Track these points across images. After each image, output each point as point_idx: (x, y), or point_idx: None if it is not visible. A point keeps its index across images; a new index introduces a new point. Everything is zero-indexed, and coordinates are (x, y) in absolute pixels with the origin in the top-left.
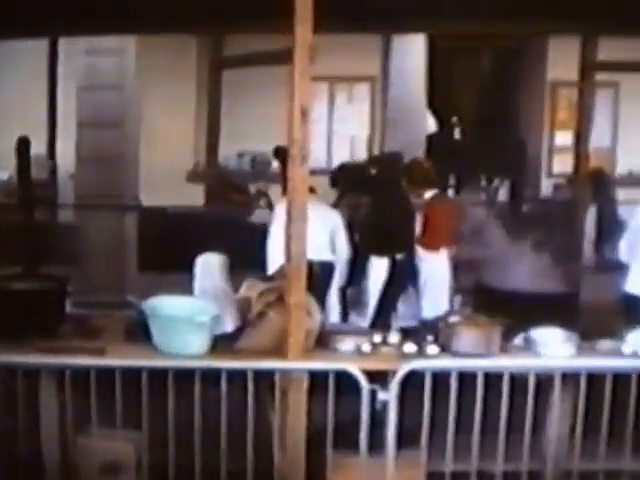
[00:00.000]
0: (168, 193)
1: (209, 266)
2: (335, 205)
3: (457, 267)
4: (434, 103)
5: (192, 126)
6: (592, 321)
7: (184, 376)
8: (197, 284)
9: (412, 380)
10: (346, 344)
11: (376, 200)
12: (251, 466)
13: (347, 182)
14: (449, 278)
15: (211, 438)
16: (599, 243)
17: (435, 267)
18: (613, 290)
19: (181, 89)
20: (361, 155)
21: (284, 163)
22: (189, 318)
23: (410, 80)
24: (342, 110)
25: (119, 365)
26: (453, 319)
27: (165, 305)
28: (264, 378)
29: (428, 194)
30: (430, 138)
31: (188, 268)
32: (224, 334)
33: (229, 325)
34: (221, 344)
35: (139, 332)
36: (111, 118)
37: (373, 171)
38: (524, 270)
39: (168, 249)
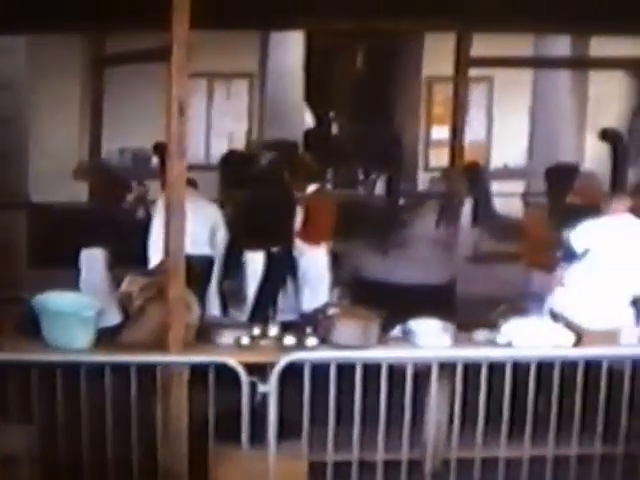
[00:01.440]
0: (57, 190)
1: (93, 261)
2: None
3: (335, 260)
4: (311, 99)
5: (77, 123)
6: (469, 312)
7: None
8: (82, 279)
9: (294, 372)
10: (226, 337)
11: (253, 194)
12: (136, 459)
13: (230, 174)
14: (328, 271)
15: (100, 431)
16: (475, 235)
17: (314, 260)
18: (489, 281)
19: (67, 87)
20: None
21: (163, 159)
22: (75, 313)
23: (287, 76)
24: (220, 106)
25: (6, 359)
26: (331, 311)
27: (53, 300)
28: (146, 372)
29: (310, 188)
30: (307, 133)
31: (76, 263)
32: (108, 328)
33: (115, 318)
34: (105, 338)
35: (30, 327)
36: (1, 116)
37: (264, 159)
38: (402, 262)
39: (56, 245)
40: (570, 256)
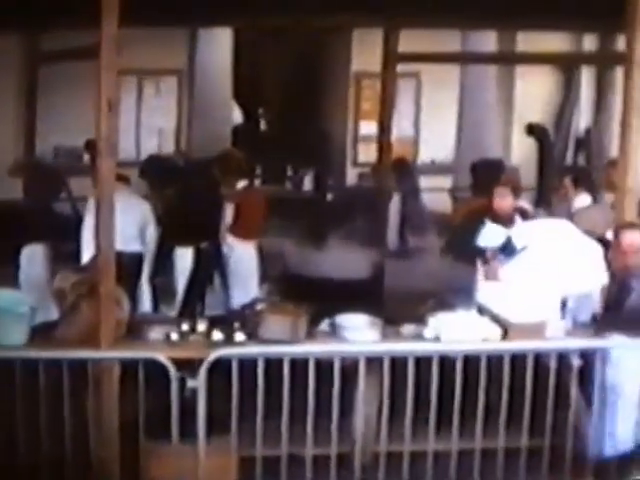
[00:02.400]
0: None
1: (33, 257)
2: (148, 196)
3: (264, 255)
4: (240, 95)
5: (13, 121)
6: (397, 306)
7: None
8: (22, 275)
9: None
10: (155, 333)
11: (181, 191)
12: (69, 455)
13: (156, 173)
14: (256, 266)
15: (35, 427)
16: (403, 230)
17: (243, 256)
18: (417, 275)
19: (2, 85)
20: (169, 147)
21: (94, 156)
22: (9, 309)
23: (216, 73)
24: (150, 103)
25: None
26: (259, 307)
27: None
28: (79, 368)
29: (240, 184)
30: (235, 130)
31: (12, 260)
32: (48, 323)
33: (54, 313)
34: (41, 334)
35: None
36: None
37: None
38: (330, 257)
39: None
40: (509, 251)
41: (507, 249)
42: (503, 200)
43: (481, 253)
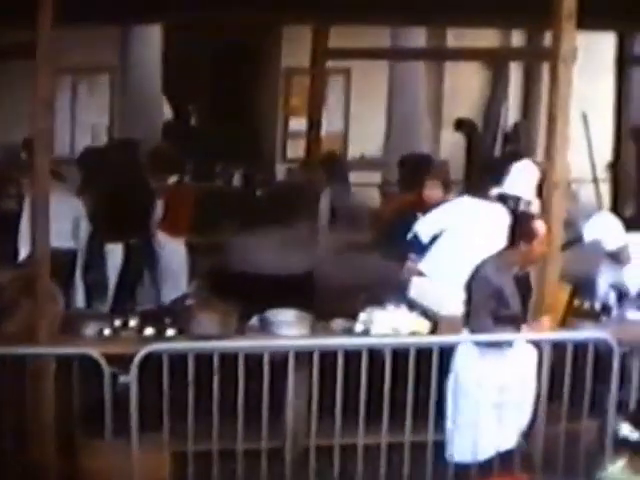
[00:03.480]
0: None
1: None
2: (80, 191)
3: (194, 251)
4: (170, 92)
5: None
6: (328, 301)
7: None
8: None
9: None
10: (89, 329)
11: (112, 187)
12: (9, 450)
13: (89, 167)
14: (186, 262)
15: None
16: (333, 225)
17: (174, 251)
18: (348, 270)
19: None
20: (102, 143)
21: (30, 154)
22: None
23: (148, 70)
24: (84, 100)
25: None
26: (189, 302)
27: None
28: (19, 363)
29: (171, 180)
30: (166, 126)
31: None
32: None
33: None
34: None
35: None
36: None
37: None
38: (260, 253)
39: None
40: (418, 246)
41: (415, 245)
42: (433, 192)
43: (411, 248)
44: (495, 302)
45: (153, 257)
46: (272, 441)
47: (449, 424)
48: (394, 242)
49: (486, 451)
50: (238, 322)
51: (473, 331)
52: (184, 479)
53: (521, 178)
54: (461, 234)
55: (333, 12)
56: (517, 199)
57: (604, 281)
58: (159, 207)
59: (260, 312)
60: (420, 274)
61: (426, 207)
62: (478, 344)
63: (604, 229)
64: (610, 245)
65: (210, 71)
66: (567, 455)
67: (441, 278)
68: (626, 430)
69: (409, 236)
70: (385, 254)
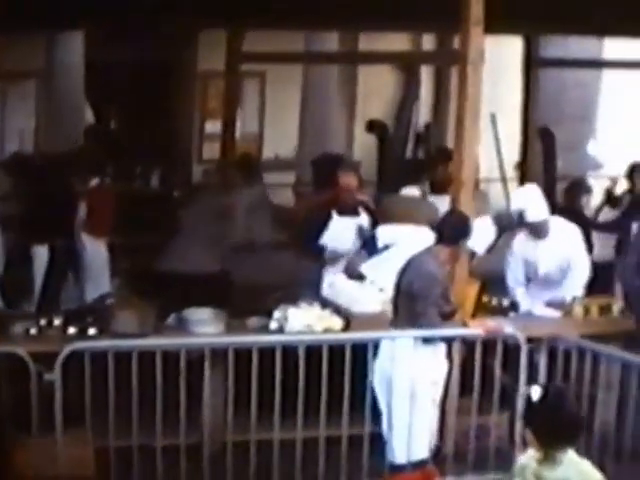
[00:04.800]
0: None
1: None
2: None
3: (115, 251)
4: (91, 96)
5: None
6: (244, 299)
7: None
8: None
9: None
10: (16, 328)
11: (35, 189)
12: None
13: (15, 172)
14: (107, 262)
15: None
16: (248, 224)
17: (96, 252)
18: (264, 269)
19: None
20: (29, 148)
21: None
22: None
23: (72, 74)
24: (13, 105)
25: None
26: (111, 301)
27: None
28: None
29: (93, 182)
30: (87, 129)
31: None
32: None
33: None
34: None
35: None
36: None
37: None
38: (178, 252)
39: None
40: (371, 248)
41: (369, 246)
42: (347, 180)
43: (365, 248)
44: (441, 297)
45: (77, 258)
46: (190, 437)
47: (384, 425)
48: (311, 241)
49: (421, 451)
50: (156, 320)
51: (422, 327)
52: (108, 474)
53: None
54: (409, 251)
55: (247, 17)
56: None
57: (516, 260)
58: (82, 209)
59: (178, 310)
60: (360, 274)
61: (341, 204)
62: (415, 340)
63: (528, 200)
64: (531, 217)
65: (129, 76)
66: (478, 449)
67: (378, 284)
68: (534, 393)
69: (365, 236)
70: (302, 252)
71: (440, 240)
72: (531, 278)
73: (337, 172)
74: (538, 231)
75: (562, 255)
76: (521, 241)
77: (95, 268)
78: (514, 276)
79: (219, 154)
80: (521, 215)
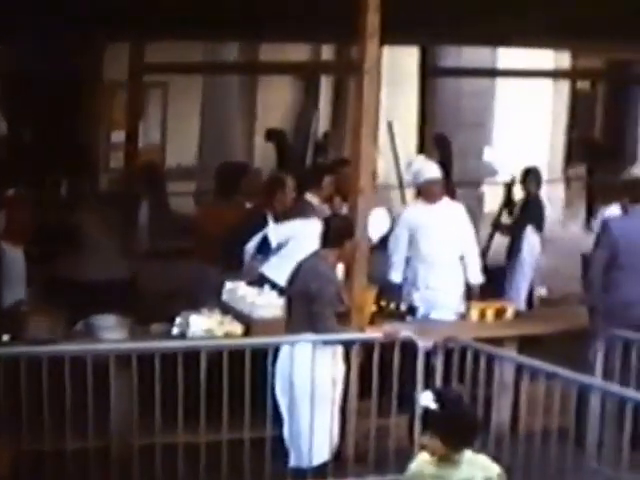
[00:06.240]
0: None
1: None
2: None
3: (30, 259)
4: (4, 108)
5: None
6: (148, 306)
7: None
8: None
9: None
10: None
11: None
12: None
13: None
14: (24, 270)
15: None
16: (152, 232)
17: (14, 259)
18: (168, 276)
19: None
20: None
21: None
22: None
23: None
24: None
25: None
26: (24, 308)
27: None
28: None
29: (9, 192)
30: (1, 141)
31: None
32: None
33: None
34: None
35: None
36: None
37: None
38: (87, 260)
39: None
40: (265, 249)
41: (263, 248)
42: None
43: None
44: (337, 299)
45: None
46: (99, 440)
47: (286, 429)
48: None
49: (323, 453)
50: (66, 327)
51: (319, 331)
52: (21, 478)
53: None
54: (304, 246)
55: (150, 28)
56: None
57: (402, 226)
58: (1, 217)
59: (86, 317)
60: (261, 276)
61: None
62: (314, 343)
63: (423, 162)
64: (428, 173)
65: (39, 87)
66: (378, 450)
67: (281, 282)
68: (426, 400)
69: (257, 239)
70: (203, 259)
71: (325, 244)
72: (421, 252)
73: (239, 182)
74: (432, 193)
75: (454, 225)
76: (412, 208)
77: (13, 275)
78: (396, 244)
79: (124, 163)
80: (417, 176)
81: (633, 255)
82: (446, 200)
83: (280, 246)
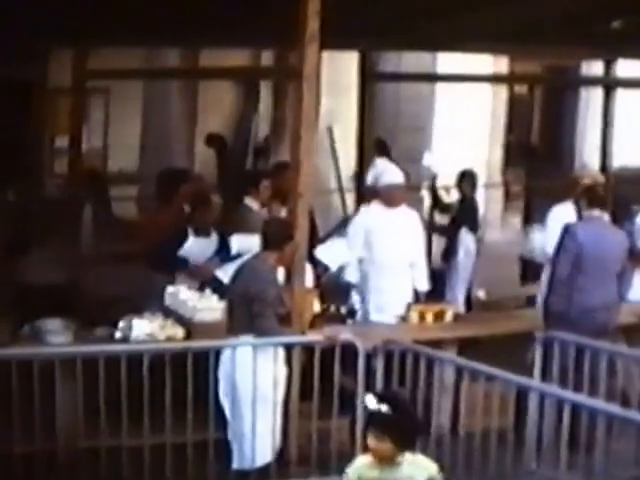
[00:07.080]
0: None
1: None
2: None
3: None
4: None
5: None
6: (92, 310)
7: None
8: None
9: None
10: None
11: None
12: None
13: None
14: None
15: None
16: (95, 237)
17: None
18: (111, 280)
19: None
20: None
21: None
22: None
23: None
24: None
25: None
26: None
27: None
28: None
29: None
30: None
31: None
32: None
33: None
34: None
35: None
36: None
37: None
38: (33, 263)
39: None
40: (224, 256)
41: (222, 254)
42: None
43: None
44: (278, 301)
45: None
46: (46, 443)
47: (229, 431)
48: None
49: (266, 455)
50: (13, 331)
51: (260, 331)
52: None
53: None
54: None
55: (92, 35)
56: None
57: (356, 228)
58: None
59: (32, 321)
60: (214, 277)
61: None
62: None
63: (384, 167)
64: (388, 178)
65: None
66: (320, 451)
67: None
68: (373, 403)
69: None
70: (157, 267)
71: (266, 247)
72: (374, 255)
73: (180, 186)
74: (392, 197)
75: (409, 233)
76: (369, 210)
77: None
78: (351, 245)
79: (68, 168)
80: (378, 178)
81: (597, 260)
82: (404, 207)
83: (239, 255)
